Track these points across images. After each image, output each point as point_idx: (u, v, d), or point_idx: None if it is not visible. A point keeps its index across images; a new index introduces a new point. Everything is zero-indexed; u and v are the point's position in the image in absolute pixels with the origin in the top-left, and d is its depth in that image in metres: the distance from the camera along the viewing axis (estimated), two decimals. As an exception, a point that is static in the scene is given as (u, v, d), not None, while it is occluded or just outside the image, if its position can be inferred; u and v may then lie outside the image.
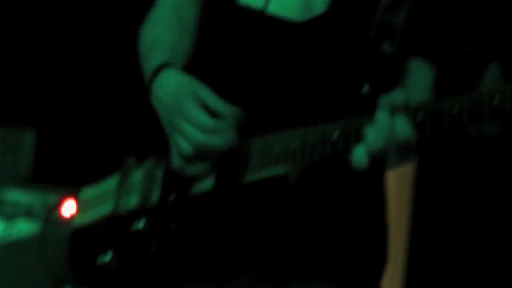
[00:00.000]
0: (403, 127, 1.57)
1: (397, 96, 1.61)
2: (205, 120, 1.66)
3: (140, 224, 1.74)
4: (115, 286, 1.77)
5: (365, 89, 1.72)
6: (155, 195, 1.76)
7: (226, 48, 1.81)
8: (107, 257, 1.76)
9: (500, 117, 1.52)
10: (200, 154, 1.67)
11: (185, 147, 1.67)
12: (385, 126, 1.57)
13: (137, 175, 1.80)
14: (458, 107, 1.54)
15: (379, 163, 1.61)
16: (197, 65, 1.83)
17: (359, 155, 1.59)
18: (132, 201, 1.78)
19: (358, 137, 1.60)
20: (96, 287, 1.79)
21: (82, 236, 1.84)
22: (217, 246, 1.72)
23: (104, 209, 1.82)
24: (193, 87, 1.69)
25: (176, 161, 1.72)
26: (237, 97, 1.72)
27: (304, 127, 1.66)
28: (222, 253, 1.73)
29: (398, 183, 3.96)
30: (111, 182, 1.83)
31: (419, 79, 1.81)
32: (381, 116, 1.58)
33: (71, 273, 1.83)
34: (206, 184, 1.72)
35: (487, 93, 1.52)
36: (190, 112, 1.66)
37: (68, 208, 3.25)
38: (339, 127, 1.63)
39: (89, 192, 1.88)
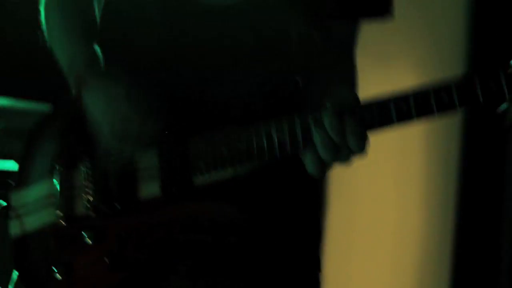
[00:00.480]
0: (351, 128, 1.59)
1: (343, 97, 1.62)
2: None
3: (92, 235, 1.71)
4: None
5: (298, 81, 1.73)
6: (100, 203, 1.72)
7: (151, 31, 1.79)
8: (62, 270, 1.71)
9: (448, 111, 1.56)
10: None
11: None
12: (335, 130, 1.59)
13: (75, 179, 1.74)
14: (405, 104, 1.57)
15: (331, 164, 1.63)
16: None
17: (313, 163, 1.61)
18: (78, 208, 1.73)
19: (307, 138, 1.62)
20: None
21: (28, 245, 1.76)
22: (166, 248, 1.71)
23: (46, 217, 1.75)
24: None
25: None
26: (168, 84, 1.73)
27: (248, 127, 1.66)
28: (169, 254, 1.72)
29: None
30: (47, 186, 1.75)
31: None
32: (330, 119, 1.59)
33: (21, 283, 1.77)
34: (153, 190, 1.70)
35: (433, 90, 1.57)
36: None
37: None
38: (283, 127, 1.63)
39: (21, 196, 1.78)
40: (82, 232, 1.70)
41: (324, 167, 1.62)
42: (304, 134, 1.61)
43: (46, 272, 1.71)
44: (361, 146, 1.59)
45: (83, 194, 1.72)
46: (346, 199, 4.02)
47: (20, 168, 1.79)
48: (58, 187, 1.73)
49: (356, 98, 1.62)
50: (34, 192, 1.76)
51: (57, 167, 1.74)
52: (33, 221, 1.75)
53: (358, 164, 3.92)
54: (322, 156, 1.60)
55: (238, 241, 1.72)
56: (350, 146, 1.59)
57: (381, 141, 3.88)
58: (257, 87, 1.72)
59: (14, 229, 1.76)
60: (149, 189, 1.69)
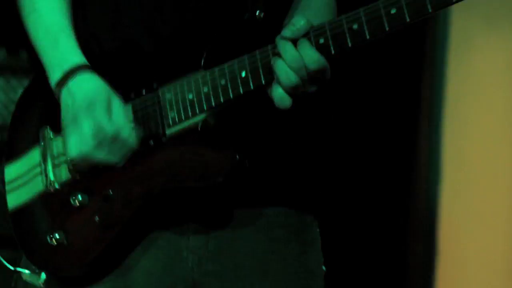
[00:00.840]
0: (310, 55, 1.57)
1: (295, 23, 1.60)
2: (108, 128, 1.68)
3: (80, 198, 1.72)
4: (69, 262, 1.74)
5: (259, 14, 1.70)
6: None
7: None
8: (56, 235, 1.72)
9: (400, 26, 1.52)
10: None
11: (80, 145, 1.69)
12: (293, 59, 1.58)
13: (59, 145, 1.76)
14: (357, 23, 1.53)
15: (299, 94, 1.62)
16: None
17: (279, 96, 1.61)
18: (63, 173, 1.75)
19: (268, 72, 1.62)
20: (51, 267, 1.76)
21: (23, 218, 1.78)
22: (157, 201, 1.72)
23: (36, 186, 1.77)
24: (107, 94, 1.70)
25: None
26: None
27: (209, 69, 1.67)
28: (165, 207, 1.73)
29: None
30: (33, 156, 1.79)
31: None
32: (286, 49, 1.58)
33: (24, 256, 1.78)
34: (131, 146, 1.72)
35: (382, 3, 1.52)
36: (99, 116, 1.68)
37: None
38: (244, 64, 1.64)
39: (12, 169, 1.81)
40: (71, 195, 1.72)
41: (289, 98, 1.61)
42: (265, 68, 1.61)
43: (42, 241, 1.73)
44: (320, 73, 1.59)
45: (66, 159, 1.73)
46: (460, 166, 3.91)
47: (8, 140, 1.81)
48: (42, 154, 1.75)
49: (307, 22, 1.59)
50: (25, 163, 1.79)
51: (41, 135, 1.77)
52: (27, 192, 1.77)
53: (473, 131, 3.80)
54: (285, 88, 1.59)
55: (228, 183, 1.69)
56: (309, 73, 1.58)
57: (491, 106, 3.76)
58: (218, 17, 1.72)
59: (11, 203, 1.79)
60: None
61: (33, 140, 1.77)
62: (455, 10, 3.86)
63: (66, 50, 1.73)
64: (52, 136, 1.76)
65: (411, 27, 1.52)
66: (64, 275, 1.74)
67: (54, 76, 1.72)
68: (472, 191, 3.87)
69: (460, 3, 1.47)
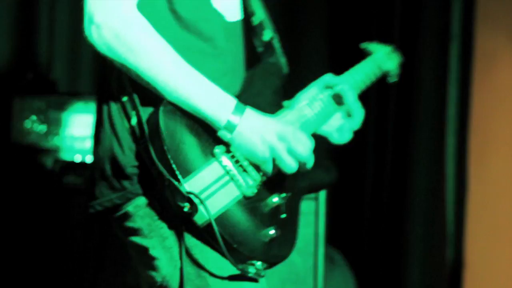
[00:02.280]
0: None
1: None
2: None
3: (274, 198, 1.94)
4: (283, 250, 1.97)
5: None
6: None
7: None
8: (270, 232, 1.91)
9: None
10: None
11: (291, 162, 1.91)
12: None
13: (240, 157, 1.90)
14: None
15: None
16: None
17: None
18: (254, 177, 1.91)
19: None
20: (268, 258, 1.93)
21: (231, 224, 1.88)
22: None
23: (231, 193, 1.88)
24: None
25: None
26: None
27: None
28: None
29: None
30: (216, 167, 1.87)
31: None
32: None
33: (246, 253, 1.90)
34: None
35: None
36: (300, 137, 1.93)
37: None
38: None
39: (194, 183, 1.83)
40: (268, 195, 1.93)
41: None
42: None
43: (257, 238, 1.90)
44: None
45: (248, 167, 1.90)
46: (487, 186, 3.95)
47: (174, 159, 1.82)
48: (225, 166, 1.87)
49: None
50: (207, 176, 1.85)
51: (219, 149, 1.88)
52: (219, 202, 1.85)
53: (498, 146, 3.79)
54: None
55: None
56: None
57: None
58: None
59: (203, 216, 1.83)
60: None
61: (208, 154, 1.87)
62: (480, 28, 3.89)
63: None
64: (230, 150, 1.89)
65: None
66: (280, 261, 1.96)
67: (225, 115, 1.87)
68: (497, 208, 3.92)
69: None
